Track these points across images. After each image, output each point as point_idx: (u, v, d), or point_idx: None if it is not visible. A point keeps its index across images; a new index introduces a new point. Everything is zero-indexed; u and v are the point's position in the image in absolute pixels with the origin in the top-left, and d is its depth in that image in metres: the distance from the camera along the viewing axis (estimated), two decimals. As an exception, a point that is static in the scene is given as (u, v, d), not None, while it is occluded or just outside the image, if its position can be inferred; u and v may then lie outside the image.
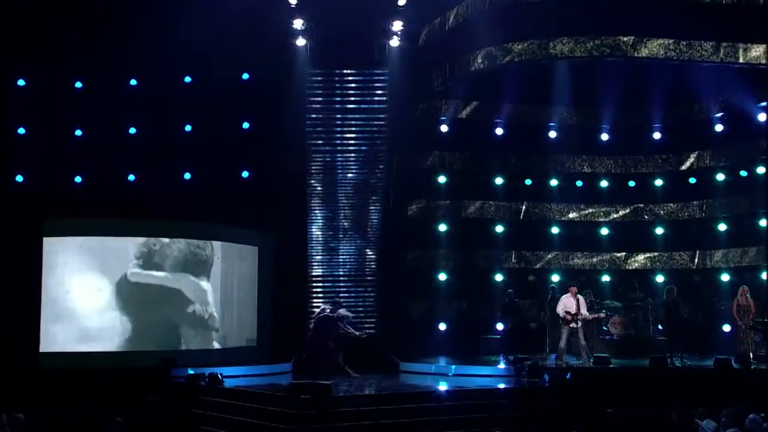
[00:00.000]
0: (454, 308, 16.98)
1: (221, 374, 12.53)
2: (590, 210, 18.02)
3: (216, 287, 15.07)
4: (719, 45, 14.28)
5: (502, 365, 14.27)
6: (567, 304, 13.93)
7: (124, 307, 14.11)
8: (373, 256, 16.12)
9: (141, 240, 14.33)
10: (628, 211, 18.04)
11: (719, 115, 16.64)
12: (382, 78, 15.52)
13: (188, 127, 15.62)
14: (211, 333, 14.99)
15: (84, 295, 14.06)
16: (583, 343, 13.84)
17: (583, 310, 13.95)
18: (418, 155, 17.16)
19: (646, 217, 18.02)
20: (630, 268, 17.85)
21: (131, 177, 15.42)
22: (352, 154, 15.88)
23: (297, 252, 15.89)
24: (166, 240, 14.46)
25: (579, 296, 14.12)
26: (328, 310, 13.55)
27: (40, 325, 13.36)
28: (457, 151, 17.54)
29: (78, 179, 15.19)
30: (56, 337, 13.75)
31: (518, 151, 17.69)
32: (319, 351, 12.81)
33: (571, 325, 13.79)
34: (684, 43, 14.30)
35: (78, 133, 15.31)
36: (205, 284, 14.90)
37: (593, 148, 17.89)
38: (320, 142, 15.82)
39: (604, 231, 17.94)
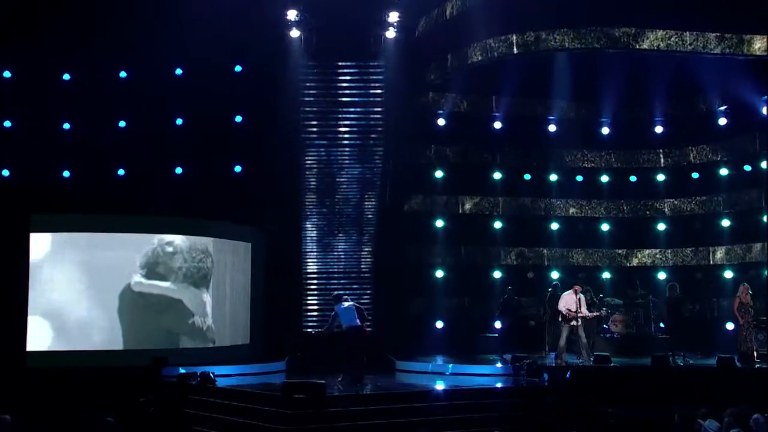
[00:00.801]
0: (451, 306, 16.79)
1: (213, 373, 12.36)
2: (591, 206, 17.78)
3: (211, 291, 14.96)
4: (723, 36, 14.07)
5: (498, 364, 14.03)
6: (568, 301, 13.72)
7: (123, 314, 13.97)
8: (369, 252, 15.89)
9: (146, 248, 14.22)
10: (629, 206, 17.78)
11: (722, 108, 16.41)
12: (378, 70, 15.34)
13: (179, 121, 15.45)
14: (208, 344, 14.84)
15: (74, 293, 13.84)
16: (584, 342, 13.70)
17: (584, 308, 13.76)
18: (414, 149, 16.93)
19: (647, 212, 17.80)
20: (631, 264, 17.62)
21: (121, 171, 15.22)
22: (348, 148, 15.70)
23: (291, 248, 15.73)
24: (170, 249, 14.37)
25: (580, 294, 13.88)
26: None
27: (27, 324, 13.11)
28: (454, 145, 17.33)
29: (66, 174, 14.99)
30: (44, 336, 13.53)
31: (517, 145, 17.51)
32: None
33: (572, 323, 13.56)
34: (686, 34, 14.10)
35: (66, 126, 15.09)
36: (205, 296, 14.82)
37: (594, 143, 17.71)
38: (315, 135, 15.61)
39: (605, 227, 17.74)
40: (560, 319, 13.84)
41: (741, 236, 16.60)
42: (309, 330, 14.98)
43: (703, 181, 17.30)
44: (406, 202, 16.90)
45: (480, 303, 16.73)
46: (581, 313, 13.66)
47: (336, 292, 13.54)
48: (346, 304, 12.54)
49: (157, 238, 14.41)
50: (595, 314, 14.39)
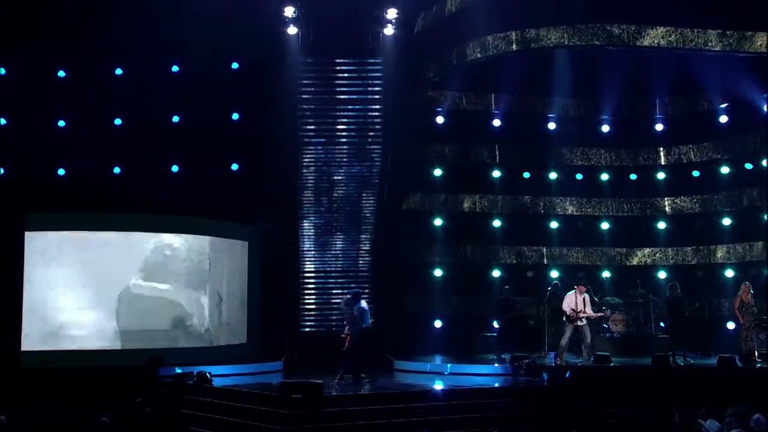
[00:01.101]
0: (450, 305, 16.70)
1: (210, 373, 12.30)
2: (590, 204, 17.68)
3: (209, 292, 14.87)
4: (723, 33, 13.99)
5: (496, 364, 13.94)
6: (572, 301, 13.66)
7: (121, 315, 13.92)
8: (367, 251, 15.79)
9: (145, 250, 14.19)
10: (629, 205, 17.67)
11: (723, 106, 16.32)
12: (376, 68, 15.19)
13: (176, 118, 15.36)
14: (205, 345, 14.78)
15: (70, 292, 13.77)
16: (588, 342, 13.64)
17: (587, 308, 13.70)
18: (413, 147, 16.78)
19: (648, 211, 17.70)
20: (631, 263, 17.53)
21: (116, 170, 15.11)
22: (346, 146, 15.57)
23: (289, 247, 15.64)
24: (168, 252, 14.34)
25: (584, 294, 13.80)
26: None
27: (21, 324, 13.00)
28: (453, 143, 17.25)
29: (61, 172, 14.90)
30: (39, 335, 13.43)
31: (516, 143, 17.40)
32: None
33: (576, 323, 13.50)
34: (687, 31, 14.03)
35: (61, 123, 15.00)
36: (203, 298, 14.75)
37: (594, 140, 17.61)
38: (312, 133, 15.49)
39: (605, 225, 17.64)
40: (564, 319, 13.74)
41: (742, 235, 16.48)
42: (342, 336, 14.02)
43: (704, 180, 17.17)
44: (404, 201, 16.82)
45: (479, 302, 16.62)
46: (584, 312, 13.56)
47: (354, 290, 13.39)
48: (364, 303, 12.47)
49: (155, 240, 14.34)
50: (599, 314, 14.30)
